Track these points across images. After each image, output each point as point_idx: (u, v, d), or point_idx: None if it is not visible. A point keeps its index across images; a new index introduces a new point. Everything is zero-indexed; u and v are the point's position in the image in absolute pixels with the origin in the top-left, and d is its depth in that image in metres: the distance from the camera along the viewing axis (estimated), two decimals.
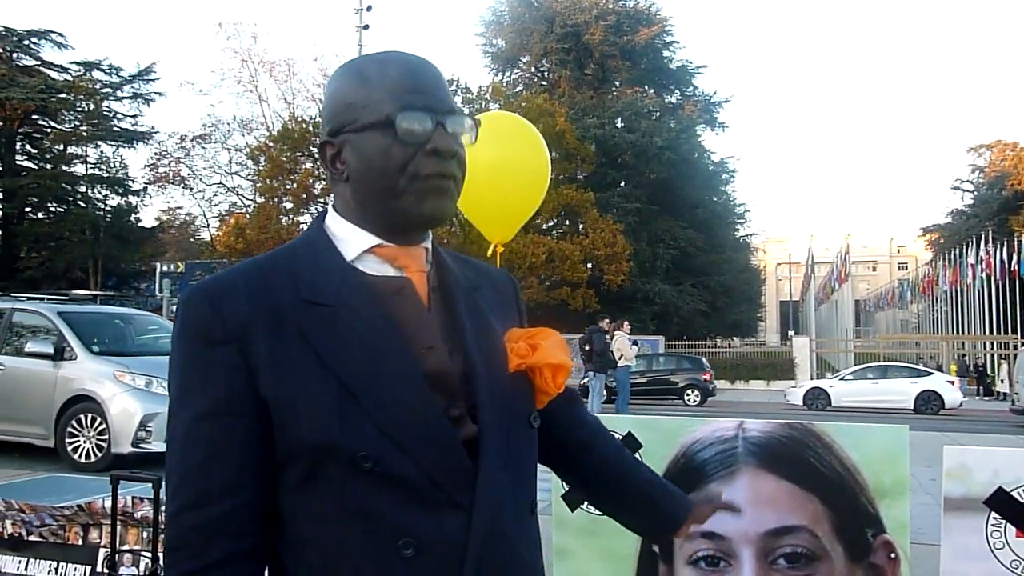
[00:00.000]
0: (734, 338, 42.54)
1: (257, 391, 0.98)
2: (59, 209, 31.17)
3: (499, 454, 1.04)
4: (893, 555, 1.99)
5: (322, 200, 35.89)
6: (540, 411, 1.17)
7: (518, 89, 38.27)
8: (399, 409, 0.98)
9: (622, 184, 36.36)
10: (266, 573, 1.04)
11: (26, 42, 30.47)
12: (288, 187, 34.28)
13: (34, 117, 30.51)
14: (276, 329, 1.00)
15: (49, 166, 30.37)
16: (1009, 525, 1.93)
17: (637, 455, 2.27)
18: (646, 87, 39.34)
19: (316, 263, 1.06)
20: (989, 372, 31.56)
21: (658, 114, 38.60)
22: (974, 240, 35.80)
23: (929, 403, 21.41)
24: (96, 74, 31.85)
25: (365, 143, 1.06)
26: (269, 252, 1.10)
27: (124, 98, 32.81)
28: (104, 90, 31.95)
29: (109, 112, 32.25)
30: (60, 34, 30.94)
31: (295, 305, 1.01)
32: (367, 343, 1.00)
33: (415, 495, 0.98)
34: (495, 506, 1.02)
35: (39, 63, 30.75)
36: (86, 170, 31.70)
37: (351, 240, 1.08)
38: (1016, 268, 32.83)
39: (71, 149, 31.36)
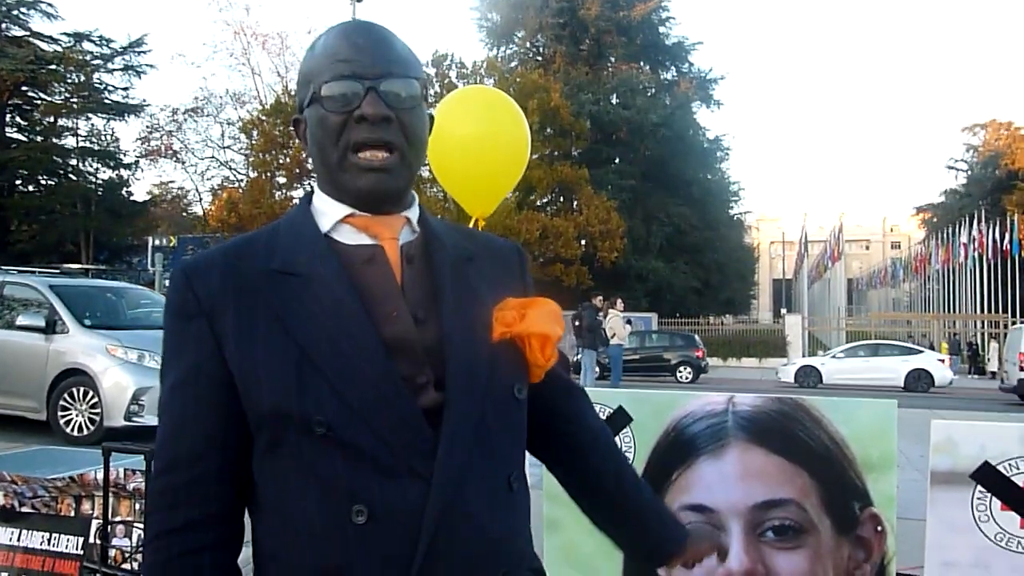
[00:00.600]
0: (727, 316, 42.66)
1: (224, 362, 1.02)
2: (50, 182, 30.90)
3: (467, 424, 1.01)
4: (880, 528, 2.02)
5: (315, 175, 35.73)
6: (539, 400, 1.16)
7: (513, 64, 38.00)
8: (356, 375, 0.99)
9: (616, 161, 36.27)
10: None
11: (15, 12, 30.03)
12: (281, 161, 34.11)
13: (24, 89, 30.14)
14: (246, 300, 1.03)
15: (39, 138, 30.05)
16: (994, 498, 1.95)
17: (628, 429, 2.28)
18: (641, 63, 39.08)
19: (293, 235, 1.09)
20: (980, 351, 31.77)
21: (653, 91, 38.42)
22: (967, 219, 35.88)
23: (919, 381, 21.57)
24: (86, 45, 31.43)
25: (311, 117, 1.08)
26: (258, 228, 1.15)
27: (115, 70, 32.41)
28: (95, 62, 31.56)
29: (100, 84, 31.88)
30: (50, 4, 30.42)
31: (266, 276, 1.04)
32: (330, 311, 1.01)
33: (371, 462, 0.97)
34: (456, 477, 0.99)
35: (28, 34, 30.31)
36: (77, 143, 31.40)
37: (327, 211, 1.09)
38: (1008, 248, 32.95)
39: (61, 121, 31.02)
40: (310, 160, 1.12)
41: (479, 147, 5.46)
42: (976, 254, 34.44)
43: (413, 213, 1.13)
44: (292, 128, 1.16)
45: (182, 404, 1.04)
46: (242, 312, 1.02)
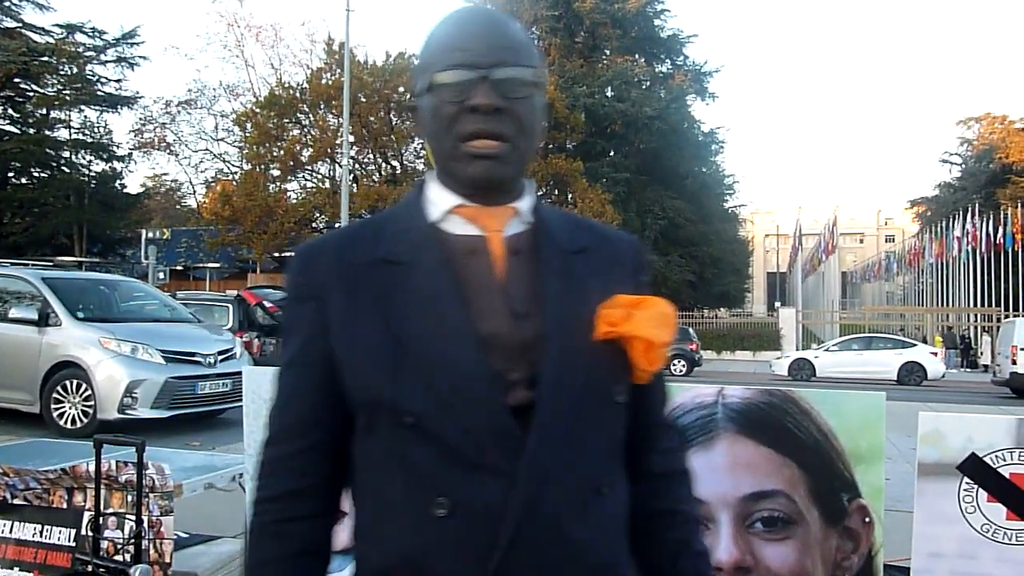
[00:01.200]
0: (721, 309, 42.73)
1: (329, 345, 1.04)
2: (43, 174, 30.73)
3: (556, 425, 0.99)
4: (867, 519, 2.03)
5: (309, 167, 35.64)
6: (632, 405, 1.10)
7: None
8: (447, 368, 0.99)
9: (611, 154, 36.23)
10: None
11: (7, 3, 29.80)
12: (275, 154, 33.97)
13: (16, 80, 29.96)
14: (352, 287, 1.05)
15: (32, 131, 29.86)
16: (981, 489, 1.96)
17: None
18: (636, 56, 39.01)
19: (402, 223, 1.10)
20: (972, 344, 31.89)
21: (648, 83, 38.36)
22: (961, 213, 35.96)
23: (912, 374, 21.68)
24: (79, 37, 31.25)
25: (424, 106, 1.08)
26: (374, 215, 1.16)
27: (108, 62, 32.24)
28: (87, 53, 31.38)
29: (92, 76, 31.70)
30: None
31: (372, 263, 1.06)
32: (428, 301, 1.02)
33: (455, 455, 0.97)
34: (540, 478, 0.96)
35: (20, 25, 30.11)
36: (70, 135, 31.26)
37: (437, 200, 1.09)
38: (1001, 241, 33.04)
39: (54, 113, 30.86)
40: (424, 146, 1.12)
41: None
42: (970, 248, 34.53)
43: (524, 204, 1.11)
44: (409, 114, 1.17)
45: (290, 382, 1.09)
46: (347, 298, 1.05)
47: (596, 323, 1.04)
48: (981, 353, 29.32)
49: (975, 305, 34.16)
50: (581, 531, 0.99)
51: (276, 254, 35.00)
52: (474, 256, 1.05)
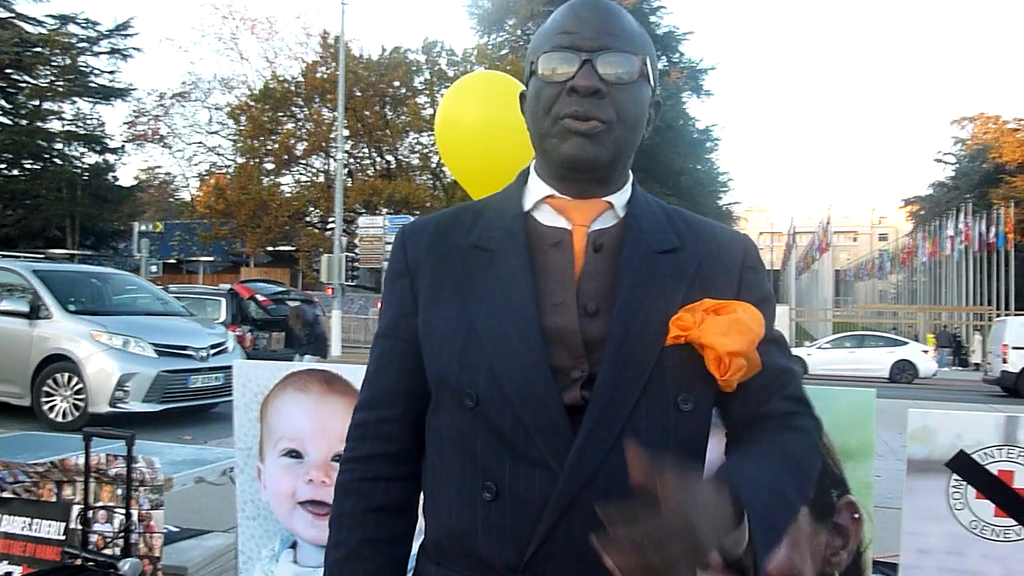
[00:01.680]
0: None
1: (416, 321, 1.09)
2: (35, 166, 30.61)
3: (607, 427, 0.97)
4: (856, 515, 2.03)
5: (303, 161, 35.58)
6: (731, 411, 1.06)
7: (504, 52, 37.87)
8: (510, 358, 0.99)
9: None
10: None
11: None
12: (269, 147, 33.93)
13: (8, 71, 29.81)
14: (442, 267, 1.08)
15: (24, 122, 29.74)
16: (969, 487, 1.97)
17: None
18: None
19: (497, 210, 1.11)
20: (964, 343, 32.03)
21: None
22: (954, 212, 36.09)
23: (904, 372, 21.77)
24: (72, 28, 31.12)
25: (529, 89, 1.09)
26: (482, 199, 1.17)
27: (101, 53, 32.12)
28: (80, 45, 31.26)
29: (86, 67, 31.59)
30: None
31: (464, 248, 1.08)
32: (504, 290, 1.03)
33: (507, 444, 0.98)
34: (584, 477, 0.96)
35: (13, 15, 29.96)
36: (62, 127, 31.15)
37: (533, 190, 1.11)
38: (994, 240, 33.18)
39: (47, 105, 30.72)
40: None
41: (487, 133, 5.43)
42: (962, 247, 34.68)
43: (619, 199, 1.09)
44: (519, 103, 1.15)
45: (380, 352, 1.13)
46: (435, 278, 1.07)
47: (668, 327, 1.01)
48: (972, 352, 29.44)
49: (967, 304, 34.31)
50: None
51: (269, 248, 34.96)
52: (557, 249, 1.06)
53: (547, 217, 1.08)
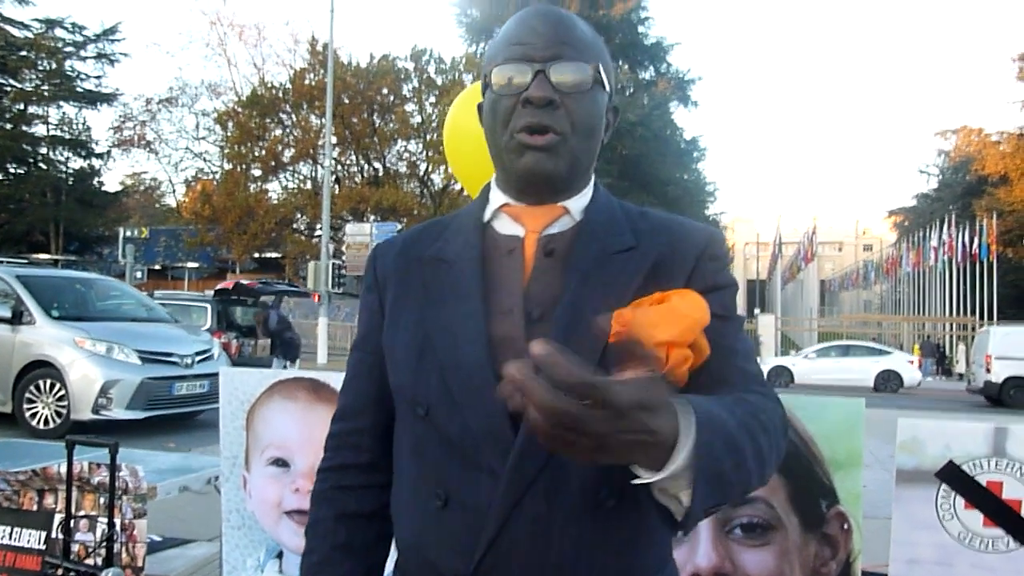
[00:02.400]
0: None
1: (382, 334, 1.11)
2: (19, 171, 30.40)
3: None
4: (846, 526, 2.03)
5: (291, 168, 35.48)
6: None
7: None
8: (458, 366, 1.01)
9: None
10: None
11: None
12: (256, 154, 33.82)
13: None
14: (404, 282, 1.11)
15: (8, 126, 29.53)
16: (958, 497, 1.97)
17: None
18: (620, 62, 39.18)
19: (461, 222, 1.13)
20: (948, 353, 32.26)
21: (632, 90, 38.56)
22: (937, 223, 36.40)
23: (889, 382, 21.89)
24: (59, 32, 30.98)
25: (484, 102, 1.10)
26: (449, 213, 1.19)
27: (87, 58, 32.00)
28: (67, 49, 31.12)
29: (72, 72, 31.44)
30: None
31: (426, 260, 1.10)
32: (457, 299, 1.04)
33: (456, 451, 1.00)
34: (527, 480, 0.96)
35: None
36: (47, 131, 30.96)
37: (492, 200, 1.12)
38: (977, 251, 33.48)
39: (32, 109, 30.55)
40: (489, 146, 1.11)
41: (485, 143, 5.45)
42: (946, 257, 34.96)
43: (576, 203, 1.09)
44: (477, 114, 1.14)
45: (352, 364, 1.17)
46: (399, 292, 1.10)
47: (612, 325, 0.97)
48: (956, 361, 29.65)
49: (951, 314, 34.57)
50: (570, 541, 0.97)
51: (256, 254, 34.81)
52: (510, 256, 1.06)
53: (503, 226, 1.09)
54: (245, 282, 16.67)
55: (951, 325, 34.31)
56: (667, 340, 0.91)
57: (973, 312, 32.94)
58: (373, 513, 1.13)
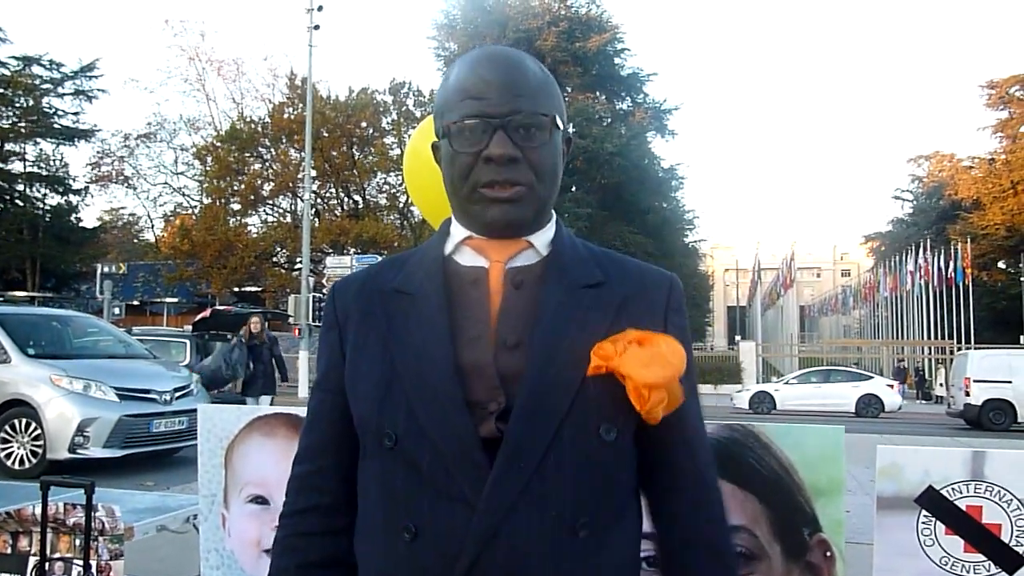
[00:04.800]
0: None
1: (343, 372, 1.10)
2: None
3: (523, 458, 0.97)
4: (828, 553, 2.03)
5: (270, 201, 35.44)
6: (648, 445, 1.07)
7: None
8: (426, 395, 1.01)
9: (573, 189, 36.61)
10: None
11: None
12: (236, 188, 33.76)
13: None
14: (366, 316, 1.10)
15: None
16: (939, 523, 1.98)
17: None
18: (597, 93, 39.66)
19: (421, 256, 1.14)
20: (927, 376, 32.49)
21: (609, 120, 38.94)
22: (913, 248, 36.86)
23: (870, 406, 21.99)
24: (36, 69, 30.94)
25: (442, 151, 1.10)
26: (409, 249, 1.22)
27: (65, 94, 31.95)
28: (44, 86, 31.07)
29: (49, 109, 31.36)
30: None
31: (386, 293, 1.10)
32: (421, 330, 1.05)
33: (426, 481, 0.99)
34: (503, 510, 0.96)
35: None
36: (24, 168, 30.81)
37: (454, 233, 1.12)
38: (952, 275, 33.90)
39: (9, 146, 30.40)
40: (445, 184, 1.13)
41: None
42: (922, 281, 35.36)
43: (540, 238, 1.11)
44: (432, 152, 1.17)
45: (313, 405, 1.15)
46: (361, 327, 1.10)
47: (590, 358, 1.01)
48: (940, 384, 29.85)
49: (928, 338, 34.88)
50: (547, 571, 0.97)
51: (236, 288, 34.59)
52: (474, 286, 1.07)
53: (466, 258, 1.10)
54: (222, 308, 16.45)
55: (929, 349, 34.60)
56: (653, 383, 1.00)
57: (950, 335, 33.27)
58: (332, 560, 1.11)
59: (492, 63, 1.06)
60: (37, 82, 30.74)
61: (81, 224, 33.02)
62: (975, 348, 25.30)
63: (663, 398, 1.02)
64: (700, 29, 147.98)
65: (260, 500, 2.51)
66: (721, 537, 1.11)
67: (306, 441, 1.15)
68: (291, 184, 33.46)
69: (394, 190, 35.03)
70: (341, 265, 25.51)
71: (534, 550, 0.97)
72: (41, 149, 31.33)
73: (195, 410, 2.69)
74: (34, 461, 8.17)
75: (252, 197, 33.89)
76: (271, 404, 9.78)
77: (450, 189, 1.10)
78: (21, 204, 30.23)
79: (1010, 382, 18.24)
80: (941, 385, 28.29)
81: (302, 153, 28.10)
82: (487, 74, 1.05)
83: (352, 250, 30.44)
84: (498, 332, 1.03)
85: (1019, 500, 1.96)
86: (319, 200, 35.02)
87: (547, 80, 1.10)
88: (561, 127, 1.11)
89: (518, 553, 0.96)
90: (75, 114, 32.02)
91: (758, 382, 28.05)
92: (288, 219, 34.94)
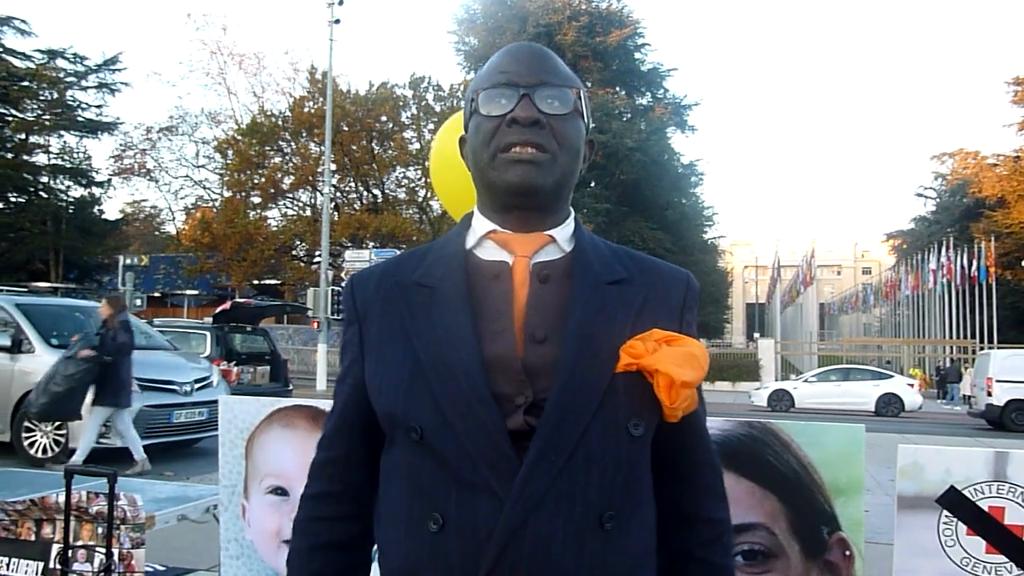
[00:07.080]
0: (701, 339, 42.78)
1: (362, 365, 1.12)
2: (20, 200, 30.45)
3: (554, 451, 0.98)
4: (848, 552, 2.02)
5: (290, 195, 35.59)
6: (660, 443, 1.10)
7: None
8: (452, 388, 1.01)
9: (592, 184, 36.51)
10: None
11: None
12: (256, 181, 33.92)
13: None
14: (387, 310, 1.11)
15: (10, 155, 29.61)
16: (960, 523, 1.96)
17: None
18: (617, 88, 39.47)
19: (442, 249, 1.14)
20: (960, 372, 32.12)
21: (629, 115, 38.77)
22: (936, 246, 36.47)
23: (890, 405, 21.80)
24: (60, 62, 31.17)
25: (470, 127, 1.13)
26: (430, 242, 1.23)
27: (89, 88, 32.16)
28: (68, 79, 31.30)
29: (73, 101, 31.60)
30: (23, 21, 30.21)
31: (407, 287, 1.11)
32: (445, 323, 1.05)
33: (454, 473, 0.99)
34: (532, 503, 0.97)
35: (1, 50, 30.01)
36: (48, 160, 31.05)
37: (476, 228, 1.13)
38: (975, 274, 33.51)
39: (33, 138, 30.66)
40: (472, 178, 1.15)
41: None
42: (944, 280, 34.99)
43: (561, 232, 1.12)
44: (459, 147, 1.19)
45: (337, 396, 1.18)
46: (382, 320, 1.11)
47: (619, 355, 1.04)
48: (972, 385, 29.51)
49: (950, 337, 34.52)
50: (572, 562, 0.98)
51: (255, 281, 34.80)
52: (497, 280, 1.08)
53: (488, 252, 1.11)
54: (242, 300, 16.57)
55: (951, 348, 34.25)
56: (687, 381, 1.04)
57: (973, 335, 32.91)
58: (344, 543, 1.14)
59: (527, 48, 1.13)
60: (61, 75, 30.98)
61: (104, 216, 33.28)
62: (998, 347, 25.00)
63: (689, 396, 1.05)
64: (721, 24, 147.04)
65: (280, 491, 2.53)
66: (724, 513, 1.19)
67: (327, 430, 1.18)
68: (311, 178, 33.58)
69: (413, 184, 35.08)
70: (360, 259, 25.60)
71: (561, 542, 0.98)
72: (65, 142, 31.60)
73: (215, 401, 2.72)
74: (57, 450, 8.28)
75: (272, 190, 34.04)
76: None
77: (474, 160, 1.12)
78: (45, 196, 30.50)
79: None
80: (974, 386, 28.08)
81: (322, 147, 28.20)
82: (519, 54, 1.12)
83: (371, 244, 30.53)
84: (526, 326, 1.04)
85: None
86: (338, 194, 35.14)
87: (576, 78, 1.15)
88: (584, 119, 1.13)
89: (545, 545, 0.97)
90: (98, 107, 32.25)
91: (777, 380, 27.89)
92: (308, 213, 35.06)
